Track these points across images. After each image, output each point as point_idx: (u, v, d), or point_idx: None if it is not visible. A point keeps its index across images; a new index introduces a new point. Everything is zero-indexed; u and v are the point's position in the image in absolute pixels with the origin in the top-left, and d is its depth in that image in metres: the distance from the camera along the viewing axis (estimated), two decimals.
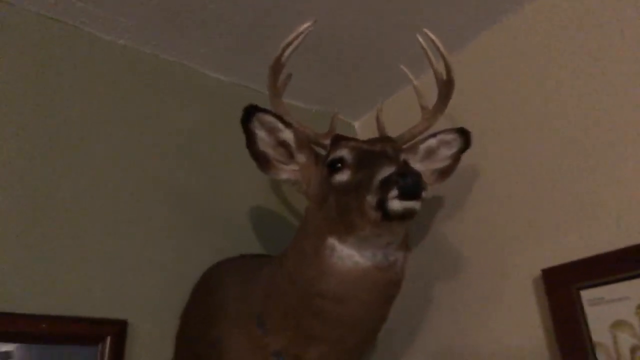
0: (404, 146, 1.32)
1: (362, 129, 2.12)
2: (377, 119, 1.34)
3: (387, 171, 1.00)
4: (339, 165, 1.14)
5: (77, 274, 1.31)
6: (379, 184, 1.00)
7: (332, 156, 1.16)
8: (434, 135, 1.34)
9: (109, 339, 1.26)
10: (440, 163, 1.35)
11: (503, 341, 1.38)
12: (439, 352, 1.55)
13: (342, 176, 1.13)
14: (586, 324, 1.16)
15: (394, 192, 0.96)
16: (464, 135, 1.34)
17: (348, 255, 1.11)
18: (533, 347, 1.30)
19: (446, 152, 1.35)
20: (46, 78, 1.45)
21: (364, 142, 1.19)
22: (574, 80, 1.38)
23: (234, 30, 1.60)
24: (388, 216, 0.99)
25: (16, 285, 1.22)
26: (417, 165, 1.32)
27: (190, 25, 1.57)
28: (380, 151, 1.14)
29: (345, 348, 1.17)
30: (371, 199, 1.01)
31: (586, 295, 1.17)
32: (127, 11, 1.51)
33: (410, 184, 0.95)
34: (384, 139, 1.23)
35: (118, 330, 1.29)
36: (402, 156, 1.18)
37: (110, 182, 1.45)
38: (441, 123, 1.68)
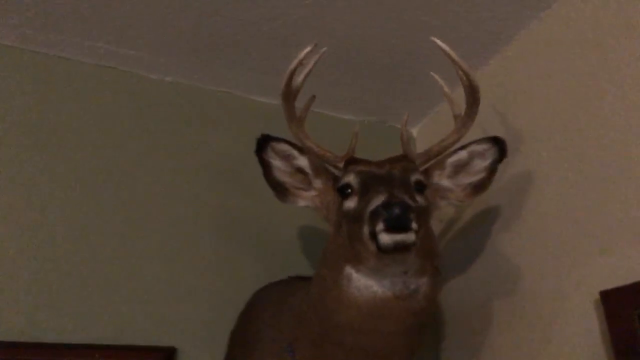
0: (432, 161, 1.23)
1: (421, 134, 2.03)
2: (401, 135, 1.26)
3: (379, 200, 0.94)
4: (349, 191, 1.10)
5: (127, 304, 1.41)
6: (369, 215, 0.94)
7: (341, 182, 1.12)
8: (463, 147, 1.23)
9: None
10: (474, 176, 1.24)
11: None
12: None
13: (350, 203, 1.08)
14: None
15: (381, 226, 0.90)
16: (498, 144, 1.22)
17: (365, 286, 1.06)
18: None
19: (480, 164, 1.23)
20: (102, 120, 1.58)
21: (374, 164, 1.13)
22: (637, 72, 1.17)
23: (269, 52, 1.61)
24: (381, 249, 0.93)
25: (70, 318, 1.34)
26: (443, 181, 1.23)
27: (227, 54, 1.61)
28: (385, 175, 1.07)
29: None
30: (366, 231, 0.96)
31: None
32: (166, 52, 1.60)
33: (395, 217, 0.88)
34: (396, 158, 1.15)
35: (166, 356, 1.36)
36: (415, 176, 1.10)
37: (158, 213, 1.54)
38: (491, 128, 1.56)
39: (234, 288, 1.53)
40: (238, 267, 1.57)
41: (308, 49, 1.15)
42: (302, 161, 1.23)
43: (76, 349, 1.28)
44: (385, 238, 0.91)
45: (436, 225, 1.76)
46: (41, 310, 1.33)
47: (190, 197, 1.61)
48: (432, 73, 1.37)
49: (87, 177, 1.50)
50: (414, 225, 0.91)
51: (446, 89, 1.33)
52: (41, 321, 1.31)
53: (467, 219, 1.63)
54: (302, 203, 1.23)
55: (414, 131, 2.05)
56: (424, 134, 2.00)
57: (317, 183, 1.23)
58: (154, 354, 1.36)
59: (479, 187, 1.23)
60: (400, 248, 0.92)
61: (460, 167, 1.24)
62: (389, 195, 0.94)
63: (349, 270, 1.08)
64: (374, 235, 0.94)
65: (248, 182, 1.70)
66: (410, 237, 0.91)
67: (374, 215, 0.93)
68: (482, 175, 1.23)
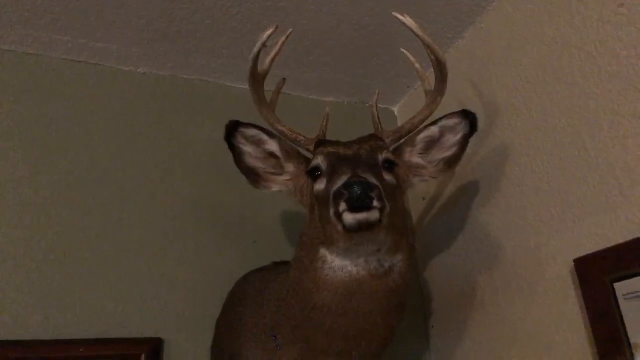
0: (404, 139, 1.22)
1: (402, 112, 2.01)
2: (372, 115, 1.26)
3: (342, 181, 0.93)
4: (318, 173, 1.09)
5: (112, 298, 1.41)
6: (333, 196, 0.94)
7: (310, 165, 1.12)
8: (434, 122, 1.23)
9: (143, 357, 1.34)
10: (446, 152, 1.23)
11: (544, 336, 1.23)
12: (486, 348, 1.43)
13: (320, 185, 1.08)
14: (622, 322, 0.99)
15: (343, 206, 0.90)
16: (468, 118, 1.20)
17: (340, 267, 1.06)
18: (575, 341, 1.15)
19: (452, 139, 1.22)
20: (74, 115, 1.56)
21: (342, 145, 1.12)
22: (613, 45, 1.14)
23: (240, 37, 1.59)
24: (346, 229, 0.93)
25: (55, 313, 1.34)
26: (414, 158, 1.22)
27: (197, 42, 1.60)
28: (352, 155, 1.06)
29: None
30: (332, 212, 0.95)
31: (621, 288, 1.00)
32: (136, 42, 1.58)
33: (356, 196, 0.88)
34: (365, 138, 1.14)
35: (153, 348, 1.37)
36: (384, 155, 1.09)
37: (139, 205, 1.54)
38: (468, 101, 1.55)
39: (218, 277, 1.53)
40: (221, 257, 1.57)
41: (270, 31, 1.13)
42: (273, 145, 1.22)
43: (61, 344, 1.28)
44: (349, 218, 0.91)
45: (419, 203, 1.76)
46: (26, 307, 1.33)
47: (171, 188, 1.60)
48: (402, 49, 1.35)
49: (63, 173, 1.49)
50: (376, 203, 0.90)
51: (417, 65, 1.32)
52: (26, 318, 1.32)
53: (449, 194, 1.63)
54: (275, 188, 1.22)
55: (395, 109, 2.04)
56: (405, 112, 1.99)
57: (289, 167, 1.22)
58: (141, 346, 1.36)
59: (451, 162, 1.22)
60: (364, 227, 0.92)
61: (432, 143, 1.24)
62: (352, 175, 0.94)
63: (324, 251, 1.08)
64: (339, 216, 0.94)
65: (228, 169, 1.67)
66: (373, 215, 0.91)
67: (337, 196, 0.93)
68: (454, 150, 1.22)
